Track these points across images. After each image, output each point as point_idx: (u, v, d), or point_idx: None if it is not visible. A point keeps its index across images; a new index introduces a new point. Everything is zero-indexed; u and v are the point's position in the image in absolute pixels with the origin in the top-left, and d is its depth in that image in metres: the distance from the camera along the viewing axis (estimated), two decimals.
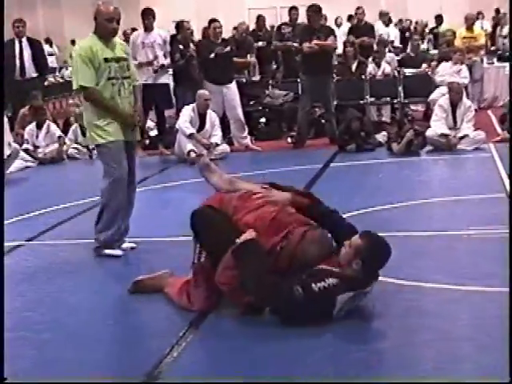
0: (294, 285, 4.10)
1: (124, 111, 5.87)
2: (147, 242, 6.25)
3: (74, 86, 5.88)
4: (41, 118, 11.32)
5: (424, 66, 13.33)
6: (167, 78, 11.18)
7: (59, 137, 11.24)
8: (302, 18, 12.71)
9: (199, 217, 4.57)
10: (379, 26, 17.38)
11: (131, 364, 3.87)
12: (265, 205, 4.55)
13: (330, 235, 4.42)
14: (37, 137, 11.24)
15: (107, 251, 5.86)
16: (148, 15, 10.97)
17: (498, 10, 20.54)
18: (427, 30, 20.06)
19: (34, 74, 11.97)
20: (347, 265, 4.21)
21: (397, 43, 17.80)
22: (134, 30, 13.77)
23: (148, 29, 10.94)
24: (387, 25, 17.91)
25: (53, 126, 11.41)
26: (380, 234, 4.38)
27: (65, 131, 11.71)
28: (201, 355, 4.00)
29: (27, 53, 11.90)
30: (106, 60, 5.82)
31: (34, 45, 12.20)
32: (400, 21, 20.76)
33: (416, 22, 20.86)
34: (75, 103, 15.14)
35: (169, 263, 5.19)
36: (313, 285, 4.10)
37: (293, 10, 13.60)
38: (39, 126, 11.30)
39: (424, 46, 16.90)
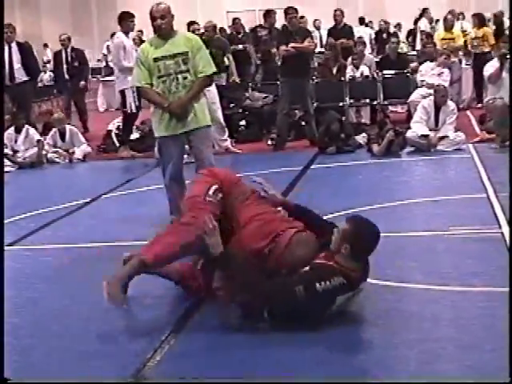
0: (295, 284, 4.08)
1: (167, 105, 6.33)
2: (130, 246, 6.23)
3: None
4: (19, 123, 11.25)
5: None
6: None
7: (38, 141, 11.16)
8: (280, 21, 12.71)
9: None
10: (359, 28, 17.49)
11: (115, 367, 3.86)
12: (261, 210, 4.58)
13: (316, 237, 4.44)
14: (15, 141, 11.16)
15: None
16: (129, 18, 10.92)
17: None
18: (405, 32, 20.20)
19: (25, 78, 11.86)
20: (337, 251, 4.20)
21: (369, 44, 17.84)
22: (113, 34, 13.63)
23: (129, 32, 10.88)
24: (366, 25, 18.09)
25: (31, 130, 11.32)
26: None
27: (44, 135, 11.64)
28: (185, 356, 3.98)
29: (16, 57, 11.79)
30: (156, 59, 6.34)
31: (24, 48, 12.08)
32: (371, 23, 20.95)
33: (398, 24, 21.02)
34: (49, 110, 15.12)
35: None
36: (317, 285, 4.05)
37: (269, 13, 13.59)
38: (18, 131, 11.23)
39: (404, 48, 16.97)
